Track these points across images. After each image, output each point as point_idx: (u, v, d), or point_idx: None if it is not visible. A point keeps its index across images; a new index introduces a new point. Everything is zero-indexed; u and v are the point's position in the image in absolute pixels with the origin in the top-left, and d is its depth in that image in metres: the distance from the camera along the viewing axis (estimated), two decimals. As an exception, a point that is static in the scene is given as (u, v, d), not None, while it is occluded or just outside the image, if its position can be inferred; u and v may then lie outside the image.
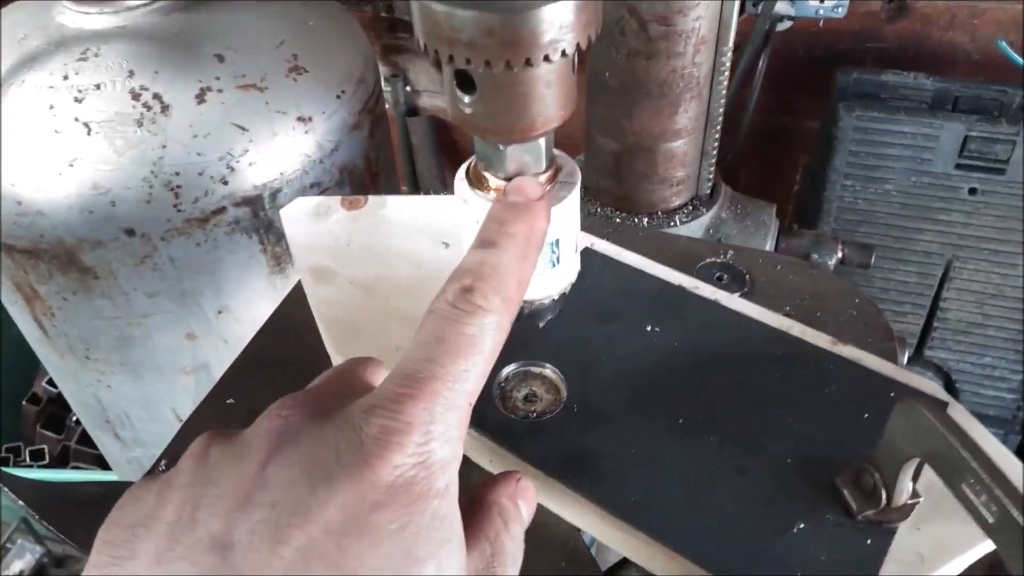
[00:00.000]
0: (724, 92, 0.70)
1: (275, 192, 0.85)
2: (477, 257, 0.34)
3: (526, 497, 0.32)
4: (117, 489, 0.29)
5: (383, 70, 1.58)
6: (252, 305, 0.92)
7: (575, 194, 0.40)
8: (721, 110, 0.71)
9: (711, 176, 0.77)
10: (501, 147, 0.37)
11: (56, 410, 1.67)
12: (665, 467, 0.48)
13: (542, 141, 0.38)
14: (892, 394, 0.51)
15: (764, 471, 0.47)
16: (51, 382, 1.63)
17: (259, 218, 0.86)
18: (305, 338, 0.61)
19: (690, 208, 0.77)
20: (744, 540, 0.45)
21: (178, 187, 0.80)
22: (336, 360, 0.57)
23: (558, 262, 0.42)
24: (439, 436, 0.27)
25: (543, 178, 0.39)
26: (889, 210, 1.27)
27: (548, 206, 0.36)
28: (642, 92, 0.68)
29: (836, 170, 1.25)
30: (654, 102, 0.67)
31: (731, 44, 0.67)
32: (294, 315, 0.64)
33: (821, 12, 1.21)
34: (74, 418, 1.63)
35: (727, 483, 0.47)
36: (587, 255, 0.63)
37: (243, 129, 0.82)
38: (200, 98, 0.82)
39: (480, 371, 0.29)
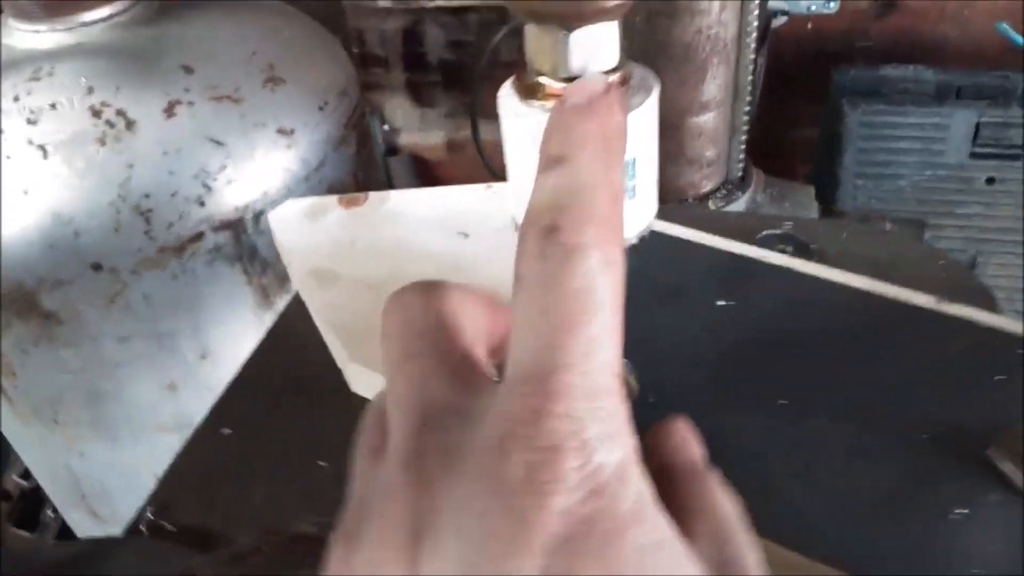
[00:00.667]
0: (752, 57, 0.64)
1: (258, 214, 0.77)
2: (547, 183, 0.24)
3: (693, 440, 0.23)
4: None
5: (358, 109, 1.51)
6: (238, 346, 0.82)
7: (653, 101, 0.32)
8: (750, 78, 0.64)
9: (742, 156, 0.70)
10: (563, 34, 0.29)
11: (30, 505, 1.52)
12: (774, 458, 0.39)
13: (614, 27, 0.30)
14: (1021, 351, 0.43)
15: (897, 451, 0.39)
16: (24, 474, 1.48)
17: (241, 244, 0.77)
18: (308, 353, 0.52)
19: (723, 192, 0.69)
20: (891, 535, 0.35)
21: (149, 211, 0.71)
22: (348, 369, 0.48)
23: (635, 193, 0.33)
24: (598, 441, 0.19)
25: (613, 78, 0.31)
26: (905, 208, 1.21)
27: (622, 103, 0.28)
28: (665, 57, 0.61)
29: (846, 170, 1.19)
30: (679, 69, 0.60)
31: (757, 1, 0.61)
32: (291, 332, 0.54)
33: (813, 8, 1.16)
34: (51, 511, 1.48)
35: (855, 470, 0.38)
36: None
37: (219, 143, 0.74)
38: (169, 112, 0.73)
39: (611, 330, 0.21)
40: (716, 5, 0.59)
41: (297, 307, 0.54)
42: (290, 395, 0.50)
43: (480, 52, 1.14)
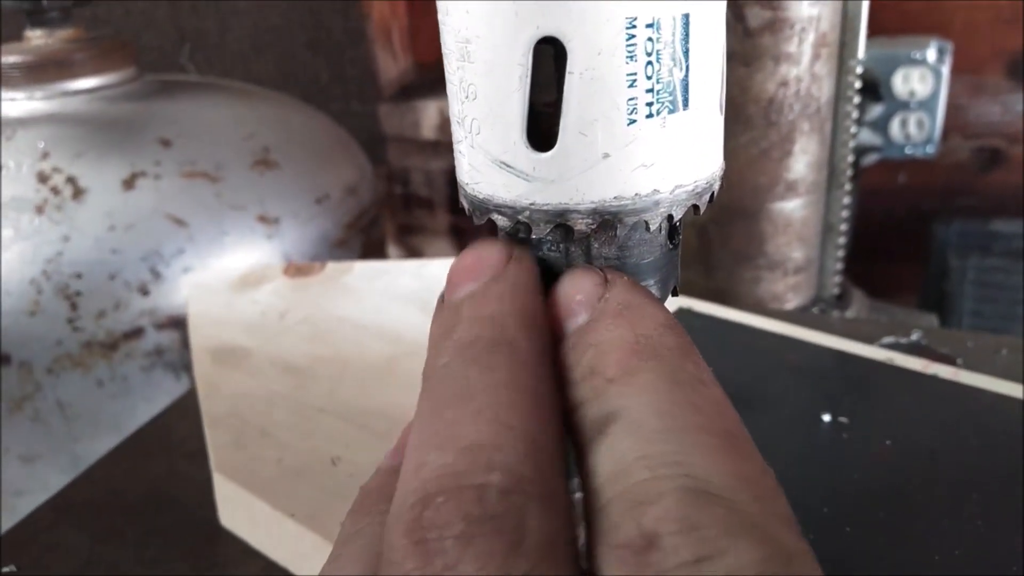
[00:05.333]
0: (853, 131, 0.49)
1: (220, 315, 0.62)
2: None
3: None
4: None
5: (397, 251, 1.41)
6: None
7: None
8: (850, 158, 0.49)
9: (840, 266, 0.53)
10: None
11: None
12: None
13: None
14: None
15: None
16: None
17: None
18: (178, 467, 0.34)
19: (815, 312, 0.52)
20: None
21: (77, 294, 0.57)
22: (217, 487, 0.30)
23: (686, 102, 0.17)
24: None
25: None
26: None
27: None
28: (739, 119, 0.46)
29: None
30: (757, 134, 0.45)
31: (860, 55, 0.46)
32: (166, 436, 0.37)
33: (909, 151, 1.02)
34: None
35: None
36: (686, 319, 0.38)
37: (180, 223, 0.60)
38: (129, 184, 0.61)
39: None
40: (808, 51, 0.45)
41: (185, 405, 0.37)
42: (132, 524, 0.32)
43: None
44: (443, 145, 1.29)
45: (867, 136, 0.97)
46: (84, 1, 0.72)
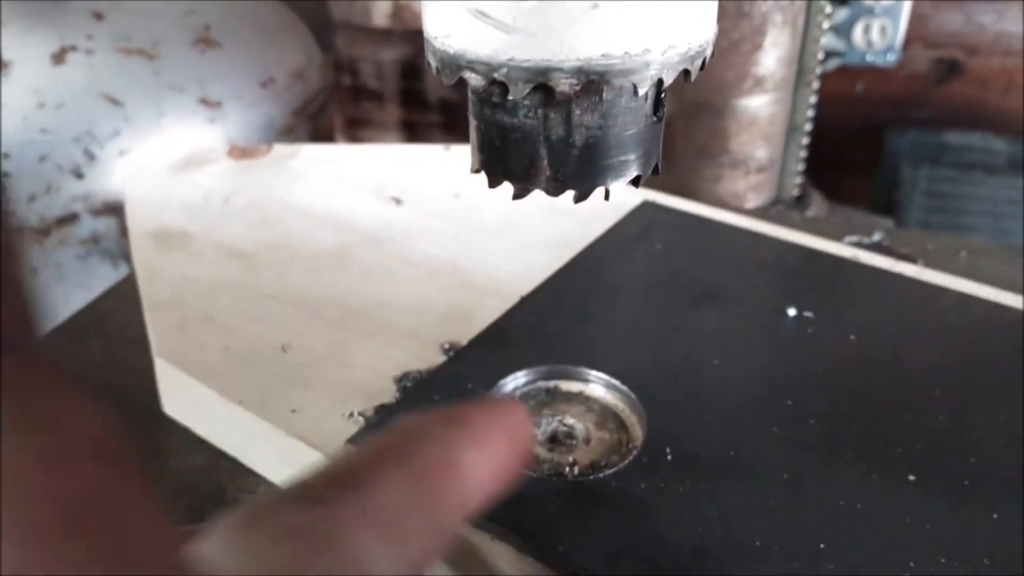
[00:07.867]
0: (824, 27, 0.47)
1: (160, 202, 0.58)
2: None
3: None
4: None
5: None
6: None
7: None
8: (819, 57, 0.47)
9: (802, 167, 0.52)
10: None
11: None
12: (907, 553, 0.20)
13: None
14: None
15: None
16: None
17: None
18: (120, 354, 0.32)
19: (774, 214, 0.51)
20: None
21: (4, 175, 0.54)
22: (159, 371, 0.28)
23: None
24: None
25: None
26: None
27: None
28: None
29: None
30: (727, 24, 0.44)
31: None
32: (111, 318, 0.35)
33: (870, 58, 1.01)
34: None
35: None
36: (650, 212, 0.37)
37: (115, 103, 0.56)
38: (58, 58, 0.56)
39: None
40: (782, -64, 0.42)
41: (123, 291, 0.35)
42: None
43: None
44: (395, 34, 1.23)
45: (830, 40, 0.95)
46: None
